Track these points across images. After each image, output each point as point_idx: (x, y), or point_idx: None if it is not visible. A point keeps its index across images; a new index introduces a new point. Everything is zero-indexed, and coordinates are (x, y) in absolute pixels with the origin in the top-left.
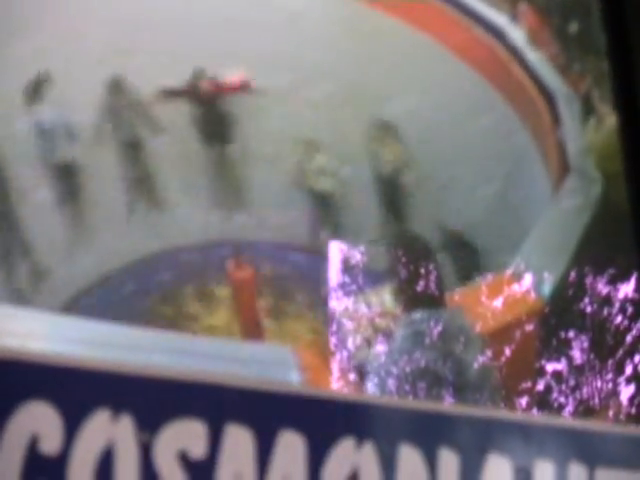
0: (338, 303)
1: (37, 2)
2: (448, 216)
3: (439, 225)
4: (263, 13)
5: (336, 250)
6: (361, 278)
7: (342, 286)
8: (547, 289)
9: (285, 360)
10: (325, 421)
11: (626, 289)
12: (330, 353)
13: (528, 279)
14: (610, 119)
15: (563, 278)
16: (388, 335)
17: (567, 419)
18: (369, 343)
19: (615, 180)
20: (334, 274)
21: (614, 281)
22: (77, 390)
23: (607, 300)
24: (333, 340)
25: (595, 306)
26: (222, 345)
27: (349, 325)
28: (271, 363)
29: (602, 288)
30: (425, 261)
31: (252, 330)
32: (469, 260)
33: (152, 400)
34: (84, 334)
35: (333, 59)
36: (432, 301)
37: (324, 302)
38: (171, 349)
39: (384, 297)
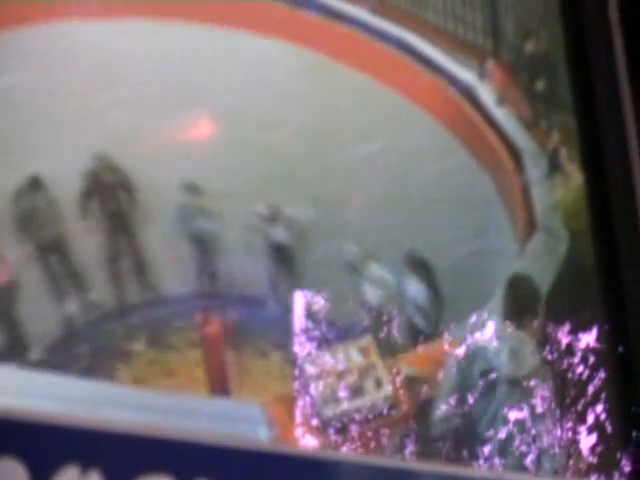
0: (305, 356)
1: None
2: None
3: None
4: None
5: (300, 301)
6: (326, 330)
7: (308, 338)
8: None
9: (254, 416)
10: (294, 477)
11: (588, 339)
12: (299, 407)
13: (491, 329)
14: (577, 177)
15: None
16: (355, 389)
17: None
18: (336, 396)
19: (581, 237)
20: (299, 326)
21: (576, 331)
22: (46, 446)
23: (569, 349)
24: (301, 393)
25: (557, 355)
26: (191, 401)
27: (316, 379)
28: (240, 419)
29: (564, 337)
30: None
31: (220, 385)
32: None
33: (121, 455)
34: (53, 389)
35: (293, 108)
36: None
37: (291, 355)
38: (140, 405)
39: (351, 352)
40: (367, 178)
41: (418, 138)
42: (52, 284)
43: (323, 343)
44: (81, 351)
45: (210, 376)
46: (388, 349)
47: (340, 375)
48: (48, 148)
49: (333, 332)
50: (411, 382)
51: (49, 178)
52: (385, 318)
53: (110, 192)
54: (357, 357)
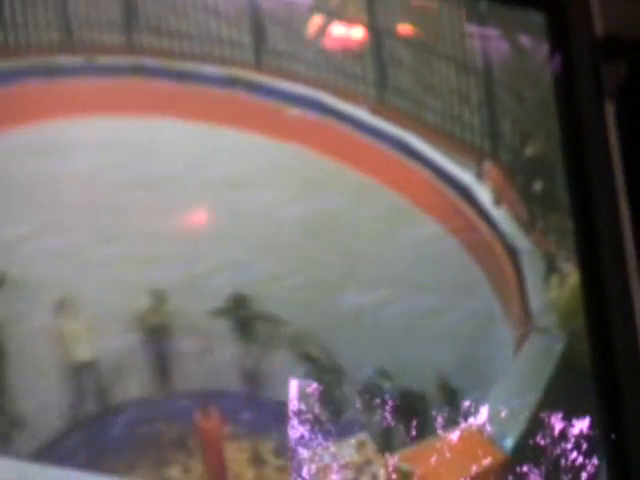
0: (301, 451)
1: None
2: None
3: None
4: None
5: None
6: (323, 425)
7: (304, 434)
8: (510, 443)
9: None
10: None
11: (581, 425)
12: None
13: (489, 432)
14: (573, 277)
15: (525, 433)
16: None
17: None
18: None
19: (577, 337)
20: (295, 420)
21: (569, 417)
22: None
23: (562, 435)
24: None
25: (550, 440)
26: None
27: (313, 477)
28: None
29: (557, 423)
30: None
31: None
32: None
33: None
34: None
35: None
36: None
37: (288, 450)
38: None
39: (348, 450)
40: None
41: (416, 237)
42: None
43: (317, 428)
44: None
45: (210, 472)
46: (385, 445)
47: (337, 472)
48: None
49: (329, 424)
50: (407, 478)
51: None
52: (381, 415)
53: None
54: (353, 453)
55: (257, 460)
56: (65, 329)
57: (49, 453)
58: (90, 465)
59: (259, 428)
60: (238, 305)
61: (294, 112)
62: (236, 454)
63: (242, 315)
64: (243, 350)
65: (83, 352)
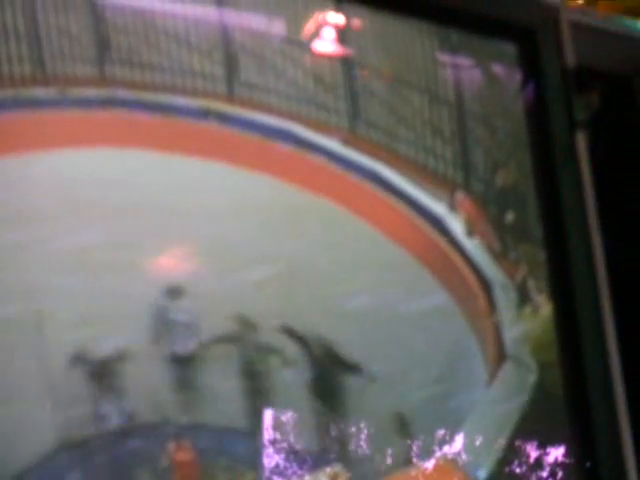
0: None
1: None
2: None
3: None
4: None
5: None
6: (296, 458)
7: (279, 466)
8: (484, 474)
9: None
10: None
11: (556, 453)
12: None
13: (464, 463)
14: (545, 308)
15: (499, 462)
16: None
17: None
18: None
19: (550, 368)
20: (269, 449)
21: (544, 445)
22: None
23: (538, 464)
24: None
25: (525, 468)
26: None
27: None
28: None
29: (532, 451)
30: None
31: None
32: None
33: None
34: None
35: (274, 243)
36: None
37: None
38: None
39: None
40: (335, 308)
41: (388, 269)
42: None
43: (291, 456)
44: None
45: None
46: (360, 475)
47: None
48: None
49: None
50: None
51: None
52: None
53: None
54: None
55: None
56: None
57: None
58: None
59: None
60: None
61: (266, 143)
62: None
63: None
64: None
65: None
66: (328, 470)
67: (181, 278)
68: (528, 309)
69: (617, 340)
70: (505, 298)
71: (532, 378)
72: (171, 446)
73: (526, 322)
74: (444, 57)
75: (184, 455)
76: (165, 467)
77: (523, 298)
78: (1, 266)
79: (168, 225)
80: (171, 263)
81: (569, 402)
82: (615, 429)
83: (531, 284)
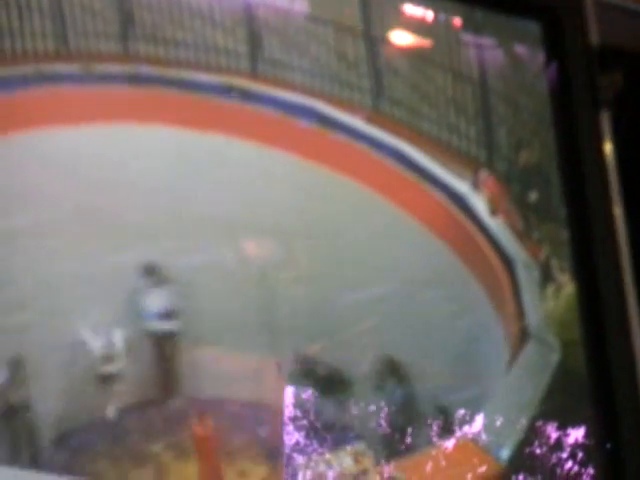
0: (296, 460)
1: None
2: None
3: None
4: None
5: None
6: (318, 432)
7: (300, 444)
8: (505, 452)
9: None
10: None
11: (576, 434)
12: None
13: (485, 441)
14: (568, 287)
15: (521, 443)
16: None
17: None
18: None
19: (573, 347)
20: (290, 429)
21: (565, 427)
22: None
23: (558, 444)
24: None
25: (546, 449)
26: None
27: None
28: None
29: (553, 432)
30: None
31: None
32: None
33: None
34: None
35: (292, 220)
36: None
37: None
38: None
39: (344, 459)
40: (358, 286)
41: (412, 248)
42: None
43: (312, 435)
44: None
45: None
46: (381, 454)
47: None
48: None
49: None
50: None
51: None
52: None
53: None
54: (349, 463)
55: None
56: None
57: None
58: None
59: (275, 442)
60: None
61: (289, 120)
62: (253, 467)
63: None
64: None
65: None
66: (350, 449)
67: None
68: (551, 288)
69: None
70: (528, 277)
71: (555, 358)
72: (192, 421)
73: (549, 301)
74: (468, 36)
75: (204, 431)
76: (185, 441)
77: (546, 277)
78: None
79: (185, 199)
80: (185, 236)
81: (591, 382)
82: (638, 410)
83: (554, 263)
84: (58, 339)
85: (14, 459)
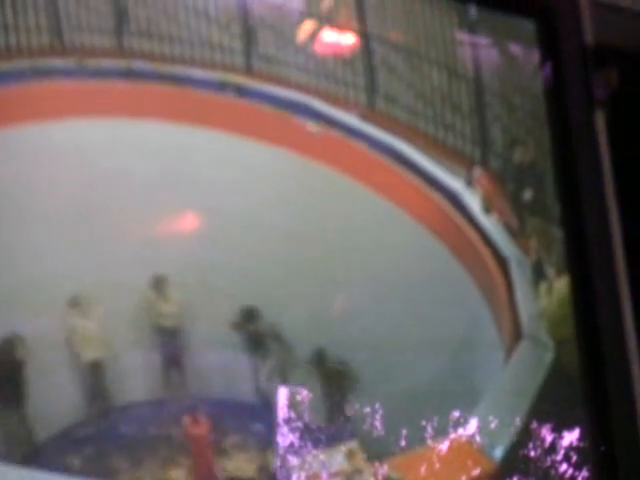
0: (288, 459)
1: None
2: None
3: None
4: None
5: (283, 398)
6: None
7: (294, 442)
8: (499, 453)
9: None
10: None
11: (571, 437)
12: None
13: (479, 442)
14: (560, 285)
15: (515, 444)
16: None
17: None
18: None
19: (566, 346)
20: (283, 427)
21: (559, 429)
22: None
23: (552, 447)
24: None
25: (540, 452)
26: None
27: None
28: None
29: (547, 435)
30: None
31: None
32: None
33: None
34: None
35: (286, 217)
36: None
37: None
38: None
39: (337, 457)
40: (351, 282)
41: (405, 244)
42: None
43: (306, 436)
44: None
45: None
46: (375, 453)
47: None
48: None
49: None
50: None
51: None
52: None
53: None
54: (343, 462)
55: (265, 470)
56: (78, 327)
57: (56, 444)
58: (96, 460)
59: (269, 439)
60: (249, 319)
61: (285, 117)
62: (244, 464)
63: (253, 330)
64: (255, 363)
65: (94, 351)
66: (343, 448)
67: (190, 249)
68: (544, 286)
69: (634, 317)
70: (521, 275)
71: (549, 357)
72: (186, 419)
73: (542, 299)
74: (463, 34)
75: (199, 429)
76: (180, 441)
77: (539, 275)
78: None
79: (179, 196)
80: (179, 233)
81: (585, 381)
82: (632, 410)
83: (546, 261)
84: (53, 335)
85: (9, 456)
